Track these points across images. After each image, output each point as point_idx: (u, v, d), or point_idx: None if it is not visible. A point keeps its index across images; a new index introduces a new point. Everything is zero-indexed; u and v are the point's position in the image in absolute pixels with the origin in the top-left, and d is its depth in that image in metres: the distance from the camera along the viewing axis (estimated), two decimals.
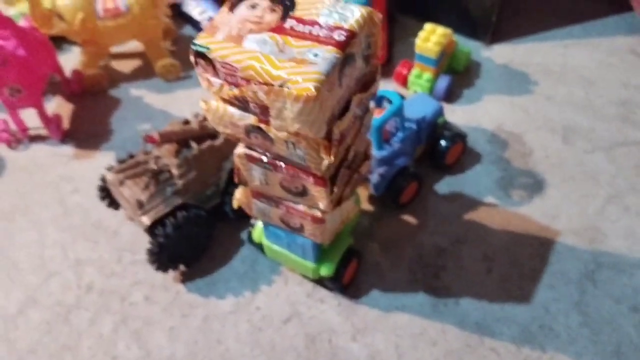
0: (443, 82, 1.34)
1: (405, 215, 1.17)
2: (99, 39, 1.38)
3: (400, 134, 1.12)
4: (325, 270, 1.00)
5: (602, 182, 1.20)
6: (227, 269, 1.11)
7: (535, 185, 1.20)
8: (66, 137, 1.36)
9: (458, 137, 1.20)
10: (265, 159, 0.83)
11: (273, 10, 0.71)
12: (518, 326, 1.01)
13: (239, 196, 0.95)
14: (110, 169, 1.10)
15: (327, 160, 0.74)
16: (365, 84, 0.79)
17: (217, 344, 1.01)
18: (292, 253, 1.01)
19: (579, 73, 1.42)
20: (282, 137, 0.73)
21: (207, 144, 1.08)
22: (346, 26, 0.69)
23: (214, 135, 1.10)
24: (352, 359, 0.98)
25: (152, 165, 1.07)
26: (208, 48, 0.68)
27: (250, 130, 0.76)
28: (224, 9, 0.72)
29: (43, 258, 1.15)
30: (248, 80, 0.68)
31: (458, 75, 1.41)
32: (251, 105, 0.71)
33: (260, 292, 1.07)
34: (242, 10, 0.71)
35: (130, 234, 1.17)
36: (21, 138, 1.35)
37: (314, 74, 0.65)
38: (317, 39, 0.68)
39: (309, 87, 0.64)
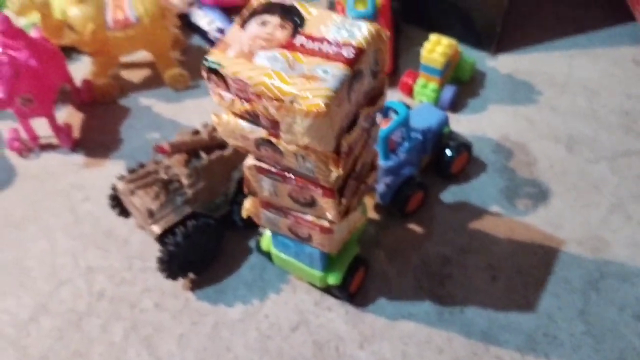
0: (448, 92, 1.35)
1: (411, 224, 1.19)
2: (109, 49, 1.40)
3: (406, 144, 1.14)
4: (332, 279, 1.02)
5: (605, 191, 1.22)
6: (236, 277, 1.12)
7: (540, 195, 1.21)
8: (77, 145, 1.38)
9: (463, 146, 1.22)
10: (274, 170, 0.84)
11: (283, 27, 0.73)
12: (523, 334, 1.02)
13: (248, 206, 0.97)
14: (121, 178, 1.12)
15: (335, 172, 0.76)
16: (373, 97, 0.80)
17: (226, 351, 1.03)
18: (300, 262, 1.02)
19: (582, 83, 1.44)
20: (292, 150, 0.75)
21: (216, 154, 1.10)
22: (354, 43, 0.71)
23: (223, 145, 1.12)
24: None
25: (163, 175, 1.09)
26: (220, 64, 0.70)
27: (260, 143, 0.78)
28: (236, 26, 0.74)
29: (54, 266, 1.17)
30: (259, 96, 0.70)
31: (463, 85, 1.43)
32: (262, 119, 0.73)
33: (268, 300, 1.09)
34: (253, 27, 0.73)
35: (140, 242, 1.19)
36: (32, 147, 1.38)
37: (324, 90, 0.67)
38: (326, 56, 0.70)
39: (319, 103, 0.66)
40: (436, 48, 1.31)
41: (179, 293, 1.11)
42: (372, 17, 1.27)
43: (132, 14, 1.37)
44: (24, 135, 1.37)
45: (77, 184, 1.30)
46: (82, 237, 1.21)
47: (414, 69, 1.39)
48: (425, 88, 1.36)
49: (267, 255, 1.09)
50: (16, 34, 1.25)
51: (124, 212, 1.17)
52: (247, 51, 0.71)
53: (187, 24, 1.63)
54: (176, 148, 1.08)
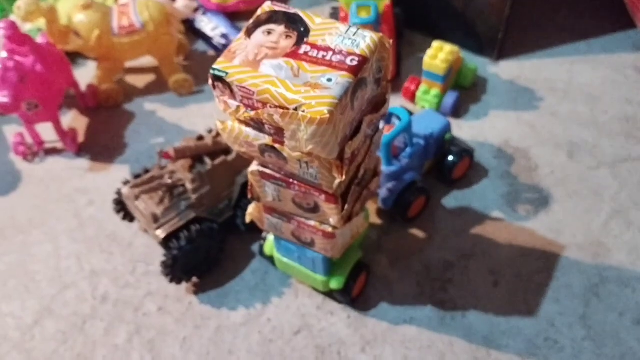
0: (450, 98, 1.36)
1: (413, 229, 1.19)
2: (114, 55, 1.41)
3: (408, 150, 1.15)
4: (335, 284, 1.03)
5: (606, 197, 1.22)
6: (239, 281, 1.13)
7: (541, 200, 1.22)
8: (81, 150, 1.39)
9: (465, 152, 1.23)
10: (278, 176, 0.85)
11: (288, 36, 0.74)
12: (524, 339, 1.03)
13: (251, 211, 0.98)
14: (126, 183, 1.14)
15: (338, 179, 0.77)
16: (376, 105, 0.82)
17: (228, 354, 1.04)
18: (302, 266, 1.03)
19: (584, 89, 1.45)
20: (296, 157, 0.76)
21: (220, 159, 1.11)
22: (358, 52, 0.72)
23: (227, 150, 1.13)
24: None
25: (167, 180, 1.10)
26: (226, 73, 0.71)
27: (264, 149, 0.79)
28: (241, 35, 0.75)
29: (59, 269, 1.18)
30: (264, 104, 0.71)
31: (465, 91, 1.44)
32: (266, 126, 0.74)
33: (271, 304, 1.10)
34: (258, 36, 0.74)
35: (144, 246, 1.20)
36: (37, 151, 1.39)
37: (328, 98, 0.68)
38: (330, 64, 0.71)
39: (323, 111, 0.67)
40: (438, 54, 1.32)
41: (182, 297, 1.12)
42: (375, 23, 1.28)
43: (138, 20, 1.38)
44: (29, 139, 1.39)
45: (82, 188, 1.31)
46: (87, 240, 1.22)
47: (417, 75, 1.41)
48: (427, 94, 1.37)
49: (270, 259, 1.10)
50: (22, 39, 1.27)
51: (128, 216, 1.18)
52: (252, 60, 0.72)
53: (191, 30, 1.64)
54: (181, 153, 1.09)
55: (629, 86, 1.45)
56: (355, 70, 0.70)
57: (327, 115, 0.67)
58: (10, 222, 1.26)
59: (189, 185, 1.08)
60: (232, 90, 0.73)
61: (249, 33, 0.75)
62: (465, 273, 1.12)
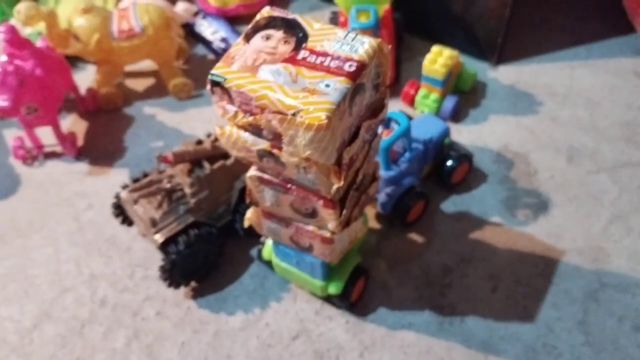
0: (450, 102, 1.36)
1: (412, 233, 1.19)
2: (114, 58, 1.42)
3: (407, 155, 1.15)
4: (333, 289, 1.02)
5: (605, 202, 1.22)
6: (238, 285, 1.13)
7: (540, 205, 1.22)
8: (81, 154, 1.39)
9: (464, 157, 1.23)
10: (276, 181, 0.85)
11: (286, 42, 0.74)
12: (522, 345, 1.03)
13: (250, 216, 0.98)
14: (124, 187, 1.14)
15: (336, 184, 0.77)
16: (375, 110, 0.82)
17: (226, 359, 1.04)
18: (301, 271, 1.03)
19: (583, 94, 1.45)
20: (294, 162, 0.76)
21: (219, 163, 1.11)
22: (356, 57, 0.72)
23: (225, 155, 1.13)
24: None
25: (166, 184, 1.10)
26: (224, 78, 0.71)
27: (262, 155, 0.79)
28: (240, 40, 0.75)
29: (58, 273, 1.18)
30: (262, 109, 0.71)
31: (464, 96, 1.44)
32: (264, 131, 0.74)
33: (269, 308, 1.10)
34: (257, 41, 0.75)
35: (142, 250, 1.20)
36: (37, 155, 1.39)
37: (326, 104, 0.68)
38: (328, 70, 0.71)
39: (321, 117, 0.67)
40: (437, 59, 1.32)
41: (180, 301, 1.12)
42: (375, 28, 1.28)
43: (137, 24, 1.38)
44: (28, 143, 1.39)
45: (81, 192, 1.31)
46: (86, 244, 1.22)
47: (416, 80, 1.41)
48: (426, 98, 1.37)
49: (269, 264, 1.10)
50: (22, 43, 1.27)
51: (126, 220, 1.18)
52: (251, 65, 0.72)
53: (191, 34, 1.64)
54: (179, 158, 1.09)
55: (628, 91, 1.45)
56: (353, 76, 0.70)
57: (325, 121, 0.67)
58: (10, 225, 1.26)
59: (187, 190, 1.09)
60: (230, 96, 0.73)
61: (248, 38, 0.75)
62: (464, 278, 1.12)
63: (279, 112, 0.69)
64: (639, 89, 1.45)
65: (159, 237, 1.06)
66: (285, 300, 1.11)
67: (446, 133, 1.23)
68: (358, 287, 1.06)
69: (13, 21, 1.46)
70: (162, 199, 1.09)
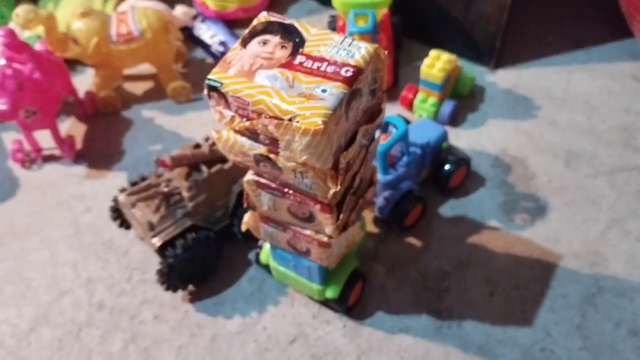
0: (448, 106, 1.37)
1: (410, 237, 1.19)
2: (113, 62, 1.42)
3: (405, 159, 1.15)
4: (330, 293, 1.02)
5: (603, 206, 1.22)
6: (235, 289, 1.13)
7: (538, 209, 1.22)
8: (79, 157, 1.39)
9: (462, 161, 1.23)
10: (273, 185, 0.85)
11: (283, 47, 0.74)
12: (520, 349, 1.03)
13: (247, 220, 0.98)
14: (122, 191, 1.14)
15: (333, 189, 0.77)
16: (372, 115, 0.82)
17: None
18: (298, 275, 1.03)
19: (581, 98, 1.45)
20: (291, 167, 0.76)
21: (216, 167, 1.11)
22: (353, 62, 0.72)
23: (223, 159, 1.13)
24: None
25: (163, 188, 1.10)
26: (221, 83, 0.71)
27: (259, 159, 0.79)
28: (237, 45, 0.75)
29: (55, 276, 1.18)
30: (259, 114, 0.71)
31: (462, 100, 1.44)
32: (261, 136, 0.74)
33: (267, 312, 1.10)
34: (253, 46, 0.75)
35: (140, 253, 1.20)
36: (35, 158, 1.39)
37: (322, 109, 0.68)
38: (325, 75, 0.71)
39: (317, 122, 0.67)
40: (436, 63, 1.33)
41: (178, 305, 1.12)
42: (373, 32, 1.28)
43: (136, 28, 1.38)
44: (27, 146, 1.39)
45: (79, 195, 1.31)
46: (83, 248, 1.22)
47: (415, 84, 1.41)
48: (424, 102, 1.37)
49: (266, 268, 1.10)
50: (20, 47, 1.27)
51: (124, 223, 1.18)
52: (247, 70, 0.72)
53: (189, 37, 1.64)
54: (177, 161, 1.09)
55: (626, 95, 1.45)
56: (349, 81, 0.71)
57: (321, 126, 0.67)
58: (8, 228, 1.26)
59: (185, 194, 1.09)
60: (227, 100, 0.73)
61: (245, 43, 0.75)
62: (461, 282, 1.12)
63: (276, 117, 0.69)
64: (637, 93, 1.45)
65: (157, 241, 1.06)
66: (283, 304, 1.11)
67: (444, 137, 1.23)
68: (355, 291, 1.06)
69: (12, 24, 1.46)
70: (160, 203, 1.09)
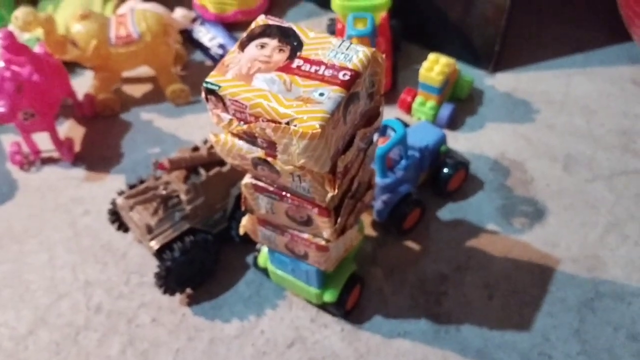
0: (446, 110, 1.37)
1: (408, 241, 1.19)
2: (111, 65, 1.42)
3: (403, 162, 1.15)
4: (328, 297, 1.02)
5: (602, 210, 1.22)
6: (233, 292, 1.13)
7: (536, 213, 1.22)
8: (78, 159, 1.39)
9: (460, 164, 1.23)
10: (271, 189, 0.85)
11: (281, 50, 0.74)
12: (518, 353, 1.02)
13: (245, 223, 0.98)
14: (120, 193, 1.14)
15: (331, 192, 0.77)
16: (370, 118, 0.82)
17: None
18: (296, 279, 1.03)
19: (580, 102, 1.45)
20: (288, 170, 0.76)
21: (215, 170, 1.11)
22: (350, 66, 0.72)
23: (222, 162, 1.13)
24: None
25: (162, 191, 1.10)
26: (219, 86, 0.71)
27: (257, 162, 0.79)
28: (235, 48, 0.75)
29: (53, 279, 1.17)
30: (256, 117, 0.71)
31: (461, 103, 1.44)
32: (259, 140, 0.74)
33: (265, 316, 1.09)
34: (251, 49, 0.75)
35: (138, 256, 1.19)
36: (33, 160, 1.39)
37: (320, 113, 0.68)
38: (322, 79, 0.71)
39: (315, 125, 0.67)
40: (434, 67, 1.33)
41: (176, 308, 1.11)
42: (372, 35, 1.28)
43: (135, 31, 1.38)
44: (25, 149, 1.39)
45: (78, 198, 1.31)
46: (81, 250, 1.22)
47: (413, 87, 1.41)
48: (423, 106, 1.37)
49: (264, 271, 1.10)
50: (19, 49, 1.27)
51: (122, 226, 1.18)
52: (245, 73, 0.72)
53: (189, 40, 1.64)
54: (175, 164, 1.09)
55: (625, 99, 1.45)
56: (347, 85, 0.71)
57: (319, 130, 0.67)
58: (6, 231, 1.26)
59: (183, 197, 1.08)
60: (224, 104, 0.73)
61: (243, 46, 0.75)
62: (460, 286, 1.12)
63: (273, 121, 0.69)
64: (636, 97, 1.45)
65: (155, 244, 1.06)
66: (281, 307, 1.10)
67: (442, 140, 1.23)
68: (353, 295, 1.06)
69: (11, 27, 1.47)
70: (158, 206, 1.09)
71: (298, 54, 0.74)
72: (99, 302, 1.13)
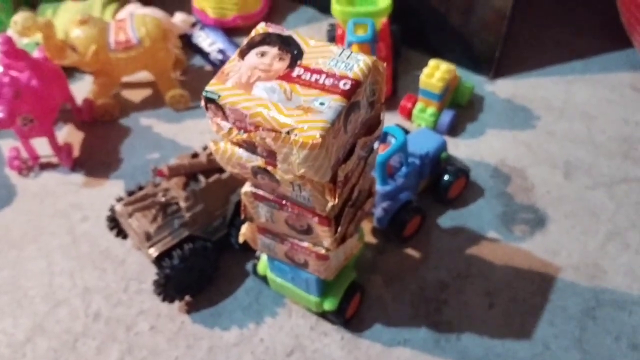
0: (447, 116, 1.36)
1: (409, 248, 1.19)
2: (111, 70, 1.41)
3: (404, 169, 1.14)
4: (328, 305, 1.02)
5: (602, 218, 1.22)
6: (232, 300, 1.12)
7: (537, 221, 1.22)
8: (76, 165, 1.38)
9: (461, 171, 1.23)
10: (271, 197, 0.85)
11: (281, 59, 0.74)
12: None
13: (244, 231, 0.97)
14: (119, 200, 1.13)
15: (331, 202, 0.77)
16: (370, 127, 0.81)
17: None
18: (296, 287, 1.03)
19: (580, 108, 1.44)
20: (288, 180, 0.75)
21: (214, 177, 1.10)
22: (351, 75, 0.71)
23: (221, 169, 1.12)
24: None
25: (160, 198, 1.10)
26: (218, 95, 0.71)
27: (257, 171, 0.78)
28: (235, 56, 0.75)
29: (52, 286, 1.17)
30: (256, 126, 0.70)
31: (461, 110, 1.44)
32: (259, 149, 0.74)
33: (264, 324, 1.09)
34: (251, 57, 0.74)
35: (137, 263, 1.19)
36: (32, 166, 1.38)
37: (320, 122, 0.67)
38: (323, 88, 0.70)
39: (315, 135, 0.67)
40: (435, 73, 1.32)
41: (174, 316, 1.11)
42: (372, 41, 1.28)
43: (134, 36, 1.38)
44: (24, 154, 1.38)
45: (76, 204, 1.30)
46: (80, 257, 1.21)
47: (414, 93, 1.40)
48: (423, 112, 1.37)
49: (264, 279, 1.10)
50: (18, 54, 1.27)
51: (121, 233, 1.18)
52: (245, 82, 0.72)
53: (188, 45, 1.64)
54: (175, 171, 1.09)
55: (625, 106, 1.45)
56: (348, 94, 0.70)
57: (319, 140, 0.66)
58: (4, 237, 1.25)
59: (182, 204, 1.08)
60: (224, 112, 0.72)
61: (243, 54, 0.75)
62: (460, 294, 1.11)
63: (273, 130, 0.69)
64: (636, 104, 1.45)
65: (153, 252, 1.05)
66: (280, 315, 1.10)
67: (443, 147, 1.23)
68: (353, 303, 1.06)
69: (10, 32, 1.46)
70: (157, 213, 1.09)
71: (298, 62, 0.73)
72: (98, 309, 1.13)
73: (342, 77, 0.71)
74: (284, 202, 0.84)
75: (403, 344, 1.05)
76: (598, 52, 1.58)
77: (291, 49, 0.75)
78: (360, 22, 1.31)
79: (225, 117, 0.73)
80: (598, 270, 1.13)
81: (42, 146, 1.38)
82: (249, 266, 1.16)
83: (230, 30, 1.67)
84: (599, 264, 1.14)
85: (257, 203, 0.87)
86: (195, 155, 1.15)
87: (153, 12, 1.44)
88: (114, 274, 1.18)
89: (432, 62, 1.35)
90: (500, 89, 1.50)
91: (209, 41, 1.61)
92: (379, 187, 1.11)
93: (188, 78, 1.58)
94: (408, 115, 1.41)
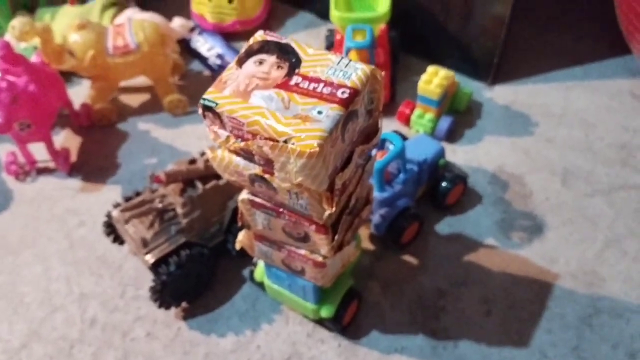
0: (445, 122, 1.36)
1: (406, 255, 1.18)
2: (109, 75, 1.41)
3: (401, 176, 1.14)
4: (325, 312, 1.01)
5: (601, 225, 1.22)
6: (229, 306, 1.12)
7: (535, 228, 1.21)
8: (74, 170, 1.38)
9: (459, 178, 1.22)
10: (268, 205, 0.85)
11: (279, 67, 0.73)
12: None
13: (241, 238, 0.97)
14: (116, 206, 1.13)
15: (328, 210, 0.76)
16: (368, 135, 0.81)
17: None
18: (293, 294, 1.02)
19: (579, 115, 1.44)
20: (286, 188, 0.75)
21: (211, 183, 1.10)
22: (349, 84, 0.71)
23: (218, 175, 1.11)
24: None
25: (157, 204, 1.09)
26: (216, 103, 0.71)
27: (254, 179, 0.78)
28: (233, 64, 0.75)
29: (48, 292, 1.16)
30: (254, 135, 0.70)
31: (460, 116, 1.43)
32: (256, 157, 0.74)
33: (261, 330, 1.08)
34: (249, 66, 0.74)
35: (133, 269, 1.18)
36: (29, 171, 1.38)
37: (318, 131, 0.67)
38: (321, 96, 0.70)
39: (313, 144, 0.66)
40: (433, 79, 1.32)
41: (171, 322, 1.10)
42: (371, 47, 1.27)
43: (132, 41, 1.38)
44: (21, 159, 1.38)
45: (73, 209, 1.30)
46: (77, 262, 1.20)
47: (412, 99, 1.40)
48: (421, 118, 1.37)
49: (261, 285, 1.09)
50: (16, 59, 1.26)
51: (118, 238, 1.17)
52: (243, 90, 0.72)
53: (187, 50, 1.64)
54: (172, 177, 1.08)
55: (624, 113, 1.45)
56: (346, 103, 0.70)
57: (317, 149, 0.66)
58: (0, 242, 1.25)
59: (179, 210, 1.08)
60: (222, 121, 0.72)
61: (240, 63, 0.75)
62: (457, 301, 1.11)
63: (271, 139, 0.69)
64: (635, 111, 1.45)
65: (150, 258, 1.05)
66: (277, 322, 1.09)
67: (441, 154, 1.23)
68: (350, 311, 1.05)
69: (8, 36, 1.46)
70: (154, 219, 1.08)
71: (296, 70, 0.73)
72: (94, 315, 1.12)
73: (340, 86, 0.71)
74: (281, 209, 0.84)
75: (400, 351, 1.05)
76: (597, 59, 1.59)
77: (289, 57, 0.75)
78: (358, 28, 1.30)
79: (222, 125, 0.73)
80: (596, 278, 1.13)
81: (39, 151, 1.37)
82: (245, 273, 1.16)
83: (229, 35, 1.67)
84: (596, 272, 1.14)
85: (254, 210, 0.87)
86: (192, 162, 1.15)
87: (151, 17, 1.44)
88: (111, 280, 1.17)
89: (431, 68, 1.35)
90: (499, 95, 1.50)
91: (207, 46, 1.61)
92: (376, 194, 1.11)
93: (186, 83, 1.57)
94: (406, 121, 1.41)
